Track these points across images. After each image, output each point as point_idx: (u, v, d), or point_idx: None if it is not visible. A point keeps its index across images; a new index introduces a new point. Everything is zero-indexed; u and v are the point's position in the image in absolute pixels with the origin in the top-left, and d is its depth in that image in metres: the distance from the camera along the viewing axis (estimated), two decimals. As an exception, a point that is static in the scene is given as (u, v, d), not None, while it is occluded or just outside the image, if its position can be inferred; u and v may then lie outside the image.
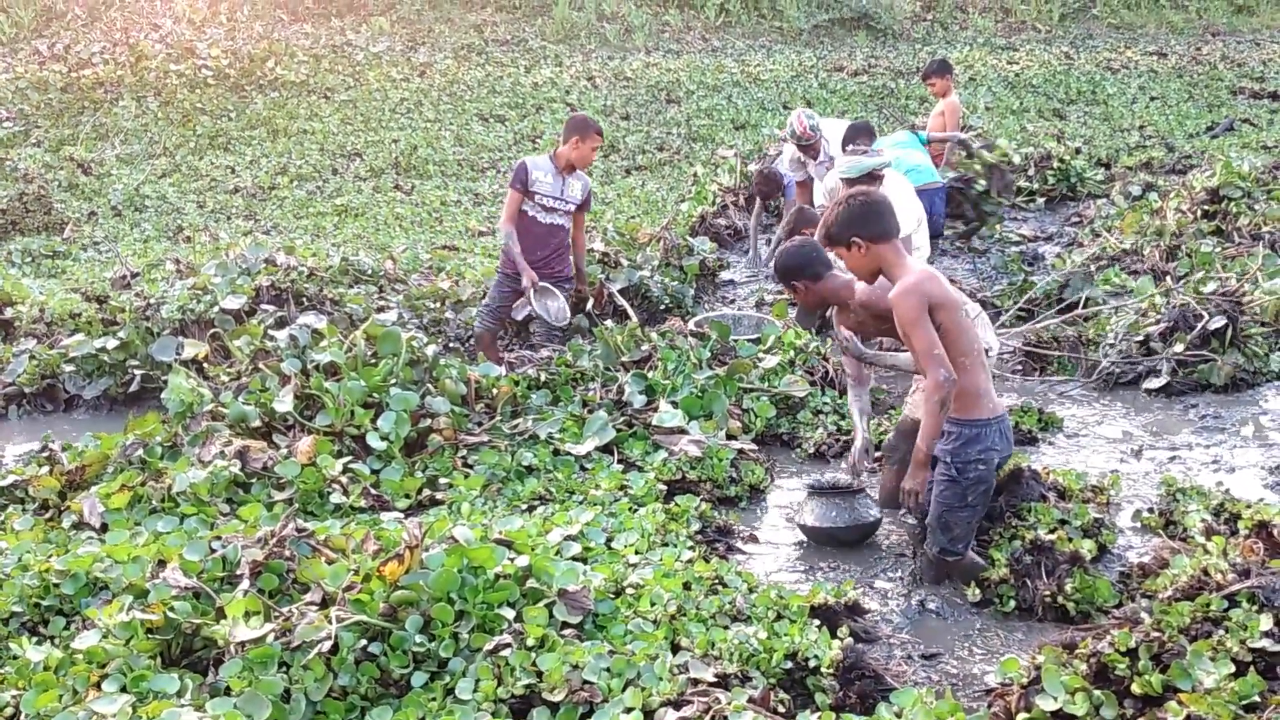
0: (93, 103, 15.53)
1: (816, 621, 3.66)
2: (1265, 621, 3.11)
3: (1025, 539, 4.21)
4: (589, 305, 7.68)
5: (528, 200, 6.74)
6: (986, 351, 4.74)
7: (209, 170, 13.56)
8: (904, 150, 8.48)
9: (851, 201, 4.03)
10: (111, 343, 6.86)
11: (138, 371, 6.78)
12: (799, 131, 8.37)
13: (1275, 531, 3.85)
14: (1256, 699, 2.87)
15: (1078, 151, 12.11)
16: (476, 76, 17.97)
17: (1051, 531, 4.25)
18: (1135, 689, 2.96)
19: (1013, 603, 4.06)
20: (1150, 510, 4.70)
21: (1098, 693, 2.97)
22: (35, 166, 12.73)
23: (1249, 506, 4.28)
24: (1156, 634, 3.12)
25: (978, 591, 4.13)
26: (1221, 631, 3.14)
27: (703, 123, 15.70)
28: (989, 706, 3.20)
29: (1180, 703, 2.83)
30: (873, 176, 6.38)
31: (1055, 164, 11.45)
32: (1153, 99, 16.33)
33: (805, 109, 8.89)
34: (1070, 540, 4.22)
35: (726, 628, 3.57)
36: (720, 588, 3.92)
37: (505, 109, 16.35)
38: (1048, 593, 3.99)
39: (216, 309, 7.05)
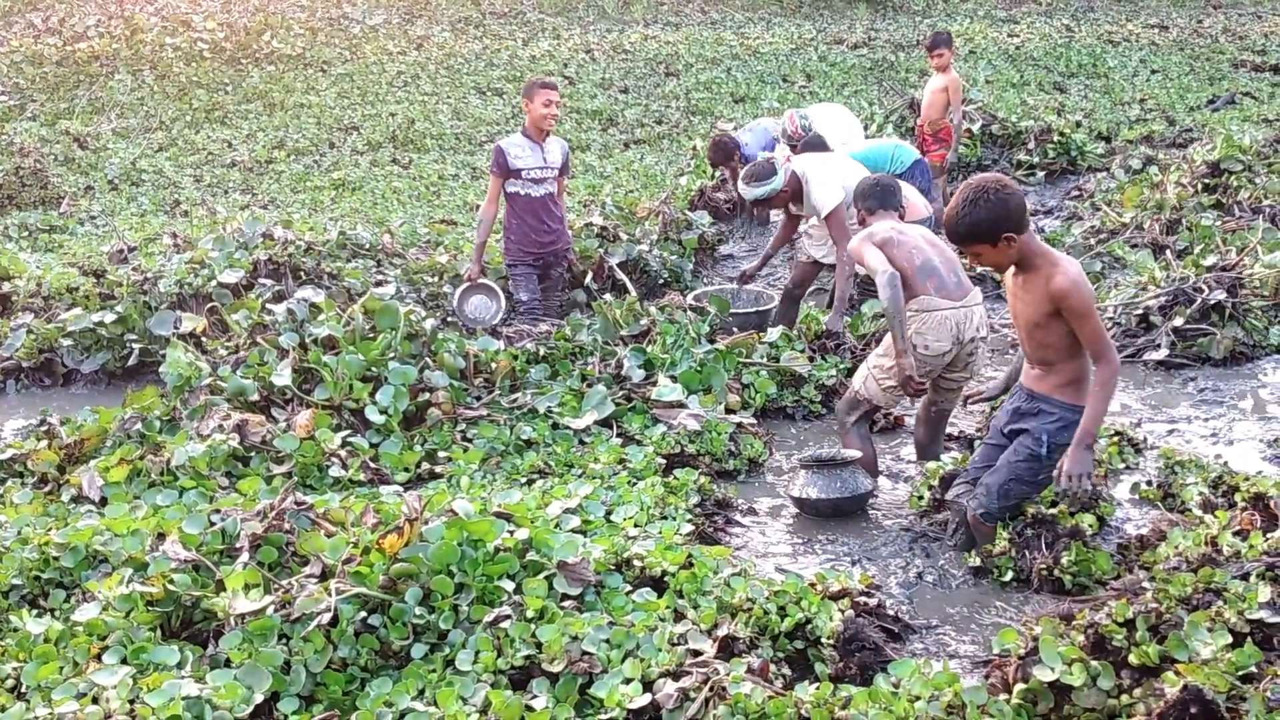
0: (88, 76, 15.44)
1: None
2: (1264, 593, 3.12)
3: (1027, 513, 4.22)
4: (588, 279, 7.66)
5: (514, 180, 6.71)
6: (983, 338, 4.74)
7: (205, 144, 13.49)
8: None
9: (992, 196, 3.71)
10: (109, 317, 6.84)
11: (136, 345, 6.77)
12: (790, 131, 8.40)
13: (1272, 503, 3.85)
14: (1253, 669, 2.87)
15: (1078, 125, 12.07)
16: (474, 49, 17.88)
17: (1052, 505, 4.25)
18: (1132, 659, 2.97)
19: (1011, 574, 4.08)
20: (1149, 483, 4.71)
21: (1095, 663, 2.98)
22: (31, 140, 12.66)
23: (1247, 479, 4.28)
24: (1154, 605, 3.13)
25: (977, 560, 4.14)
26: (1220, 602, 3.15)
27: (701, 96, 15.62)
28: (986, 677, 3.21)
29: (1177, 673, 2.84)
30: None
31: (1055, 137, 11.41)
32: (1154, 72, 16.26)
33: (797, 110, 8.85)
34: (1071, 514, 4.23)
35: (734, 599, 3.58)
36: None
37: (503, 82, 16.27)
38: (1045, 565, 4.00)
39: (214, 283, 7.03)
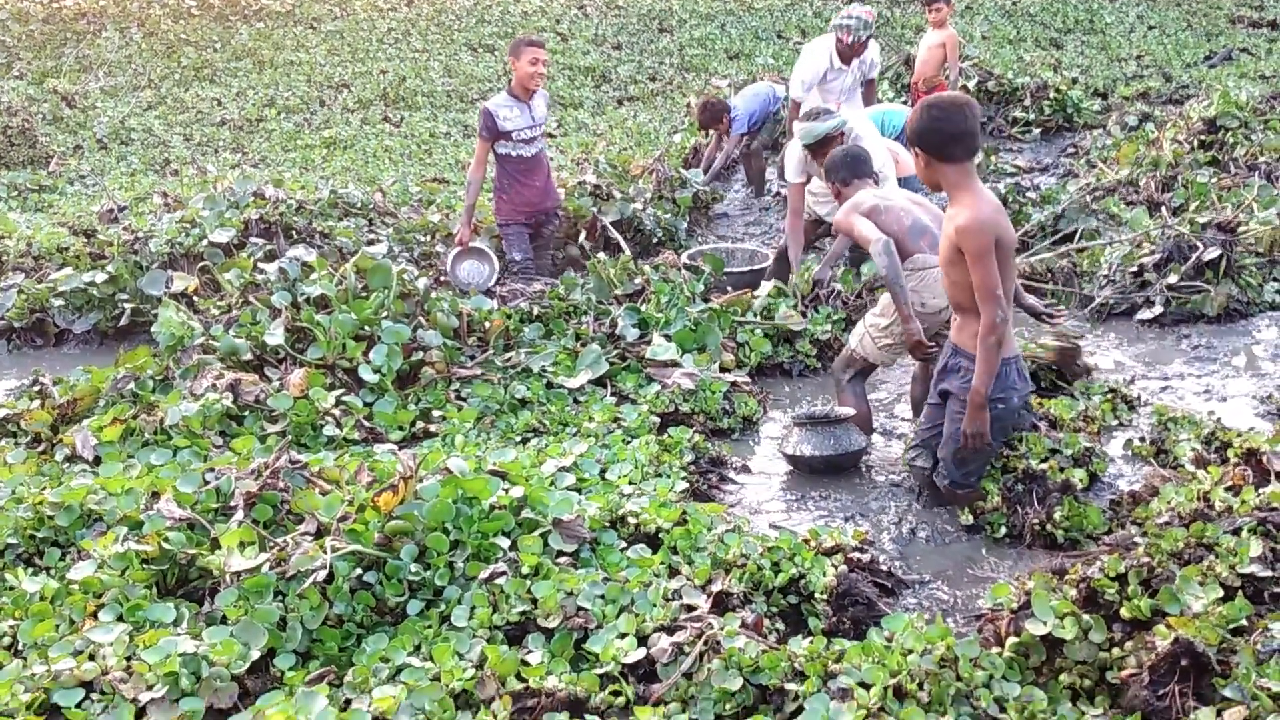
0: (75, 34, 15.26)
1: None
2: (1255, 547, 3.14)
3: (1017, 469, 4.23)
4: (581, 238, 7.63)
5: (504, 142, 6.65)
6: (939, 311, 4.69)
7: (195, 102, 13.37)
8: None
9: (934, 110, 3.78)
10: (100, 277, 6.81)
11: (127, 305, 6.74)
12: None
13: (1264, 459, 3.87)
14: (1244, 623, 2.90)
15: (1074, 82, 11.98)
16: (465, 5, 17.70)
17: (1043, 461, 4.27)
18: (1124, 613, 2.99)
19: (1004, 529, 4.10)
20: (1142, 439, 4.72)
21: (1087, 617, 3.00)
22: (19, 99, 12.53)
23: (1239, 435, 4.30)
24: (1146, 560, 3.15)
25: (970, 517, 4.17)
26: (1211, 557, 3.17)
27: (696, 52, 15.48)
28: (979, 631, 3.23)
29: (1169, 626, 2.86)
30: (829, 139, 6.25)
31: (1052, 94, 11.33)
32: (1150, 28, 16.13)
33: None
34: (1062, 470, 4.25)
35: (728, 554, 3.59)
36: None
37: (494, 38, 16.11)
38: (1037, 520, 4.03)
39: (205, 242, 7.00)
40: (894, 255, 4.50)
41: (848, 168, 5.18)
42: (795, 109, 7.83)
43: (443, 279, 7.03)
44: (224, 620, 3.24)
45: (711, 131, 9.92)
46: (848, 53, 7.65)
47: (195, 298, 6.17)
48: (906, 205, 4.80)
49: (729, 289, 6.49)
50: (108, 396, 5.00)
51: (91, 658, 3.07)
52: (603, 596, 3.34)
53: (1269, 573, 3.09)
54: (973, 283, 3.75)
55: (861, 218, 4.71)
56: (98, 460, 4.48)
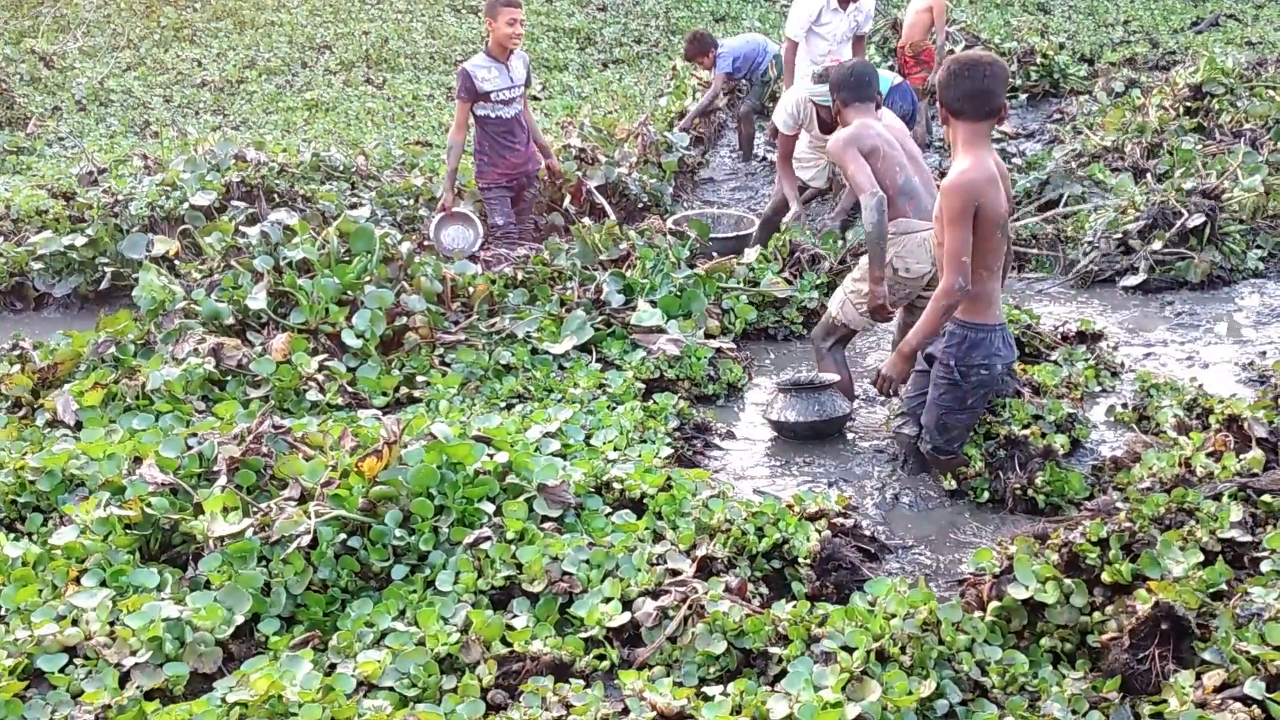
0: (51, -8, 15.03)
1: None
2: (1235, 512, 3.17)
3: (1000, 435, 4.25)
4: (566, 202, 7.59)
5: (483, 104, 6.59)
6: (921, 276, 4.66)
7: (175, 63, 13.20)
8: None
9: (962, 68, 3.71)
10: (80, 240, 6.74)
11: (108, 269, 6.68)
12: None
13: (1245, 425, 3.89)
14: (1223, 587, 2.93)
15: (1061, 47, 11.94)
16: (448, -34, 17.46)
17: (1026, 427, 4.29)
18: (1105, 578, 3.02)
19: (986, 494, 4.12)
20: (1124, 405, 4.74)
21: (1068, 581, 3.02)
22: (-6, 59, 12.36)
23: (1221, 401, 4.32)
24: (1127, 524, 3.17)
25: (953, 482, 4.18)
26: (1192, 522, 3.19)
27: (682, 14, 15.35)
28: (961, 595, 3.25)
29: (1149, 590, 2.88)
30: None
31: (1038, 59, 11.30)
32: (1138, -7, 16.06)
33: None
34: (1044, 435, 4.27)
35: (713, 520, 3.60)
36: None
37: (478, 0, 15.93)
38: (1019, 485, 4.05)
39: (186, 205, 6.93)
40: (884, 214, 4.42)
41: (851, 88, 4.84)
42: (792, 49, 7.80)
43: (426, 243, 6.99)
44: (208, 585, 3.23)
45: (692, 83, 9.86)
46: None
47: (176, 261, 6.12)
48: (903, 160, 4.64)
49: (714, 255, 6.47)
50: (89, 361, 4.96)
51: (74, 623, 3.07)
52: (587, 561, 3.35)
53: (1248, 538, 3.12)
54: (944, 242, 3.72)
55: (860, 159, 4.52)
56: (79, 425, 4.45)
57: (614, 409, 4.69)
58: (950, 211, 3.66)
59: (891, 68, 9.63)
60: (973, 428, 4.21)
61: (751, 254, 6.31)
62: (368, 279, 5.41)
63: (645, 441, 4.41)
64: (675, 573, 3.34)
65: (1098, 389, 5.01)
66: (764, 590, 3.39)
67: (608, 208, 7.45)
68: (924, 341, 3.88)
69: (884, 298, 4.52)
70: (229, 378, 4.83)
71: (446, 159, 6.85)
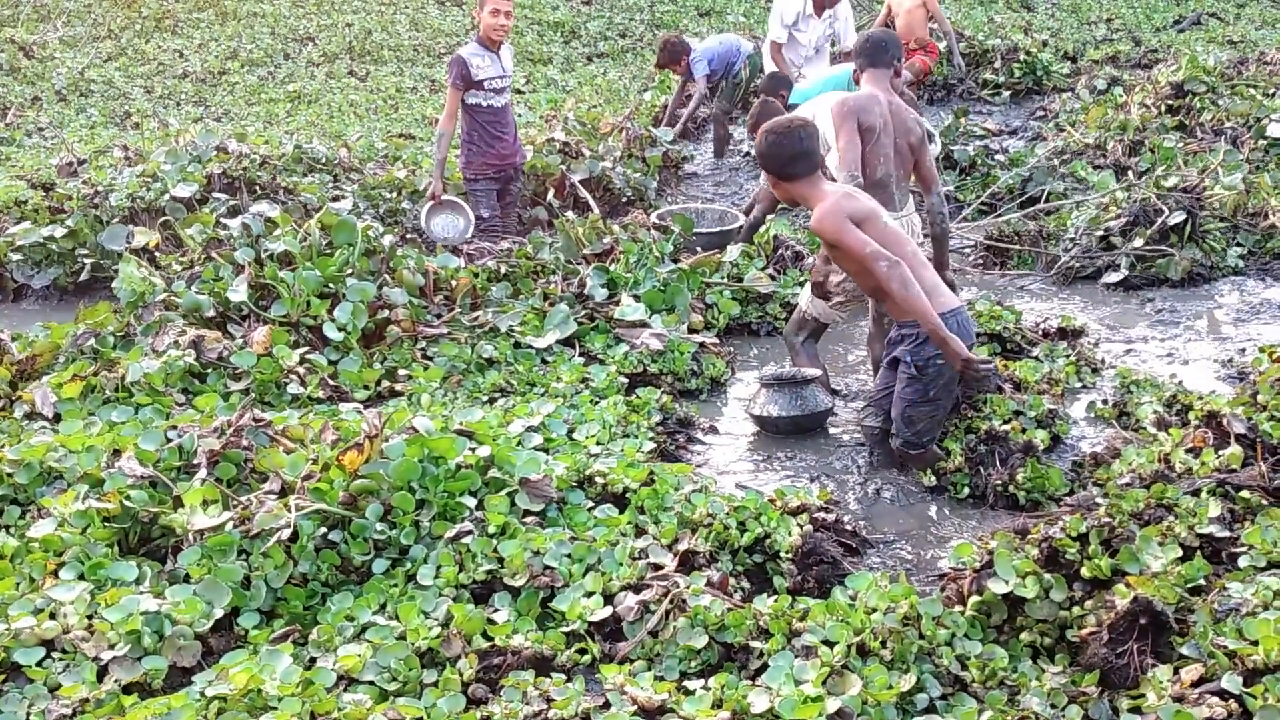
0: (31, -19, 14.88)
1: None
2: (1213, 508, 3.19)
3: (981, 430, 4.27)
4: (549, 196, 7.57)
5: (476, 92, 6.58)
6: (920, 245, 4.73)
7: (156, 54, 13.11)
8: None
9: (765, 138, 4.08)
10: (59, 231, 6.69)
11: (87, 260, 6.63)
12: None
13: (1224, 421, 3.91)
14: (1202, 582, 2.94)
15: (1044, 44, 11.99)
16: (433, -42, 17.39)
17: (1006, 422, 4.31)
18: (1085, 573, 3.03)
19: (966, 490, 4.14)
20: (1104, 401, 4.77)
21: (1048, 576, 3.03)
22: (-27, 49, 12.25)
23: (1200, 398, 4.34)
24: (1107, 520, 3.19)
25: (933, 478, 4.20)
26: (1171, 517, 3.21)
27: (666, 9, 15.33)
28: (942, 590, 3.26)
29: (1128, 585, 2.90)
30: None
31: (1022, 57, 11.33)
32: (1121, -9, 16.12)
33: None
34: (1024, 431, 4.29)
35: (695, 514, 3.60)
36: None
37: (463, -7, 15.88)
38: (1000, 481, 4.07)
39: (167, 197, 6.88)
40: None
41: (868, 54, 4.97)
42: (776, 49, 7.96)
43: (408, 236, 6.96)
44: (187, 579, 3.21)
45: (675, 78, 9.88)
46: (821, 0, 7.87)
47: (157, 253, 6.07)
48: (890, 152, 4.78)
49: (698, 249, 6.47)
50: (68, 353, 4.92)
51: (52, 616, 3.04)
52: (569, 555, 3.35)
53: (1227, 533, 3.14)
54: (852, 261, 3.96)
55: (855, 134, 4.66)
56: (58, 417, 4.41)
57: (597, 403, 4.69)
58: (833, 232, 3.97)
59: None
60: (941, 421, 4.23)
61: (735, 250, 6.31)
62: (349, 272, 5.38)
63: (628, 436, 4.40)
64: (657, 567, 3.34)
65: (1078, 385, 5.03)
66: (745, 584, 3.39)
67: (592, 202, 7.44)
68: (934, 318, 3.87)
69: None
70: (209, 370, 4.80)
71: (435, 147, 6.83)
